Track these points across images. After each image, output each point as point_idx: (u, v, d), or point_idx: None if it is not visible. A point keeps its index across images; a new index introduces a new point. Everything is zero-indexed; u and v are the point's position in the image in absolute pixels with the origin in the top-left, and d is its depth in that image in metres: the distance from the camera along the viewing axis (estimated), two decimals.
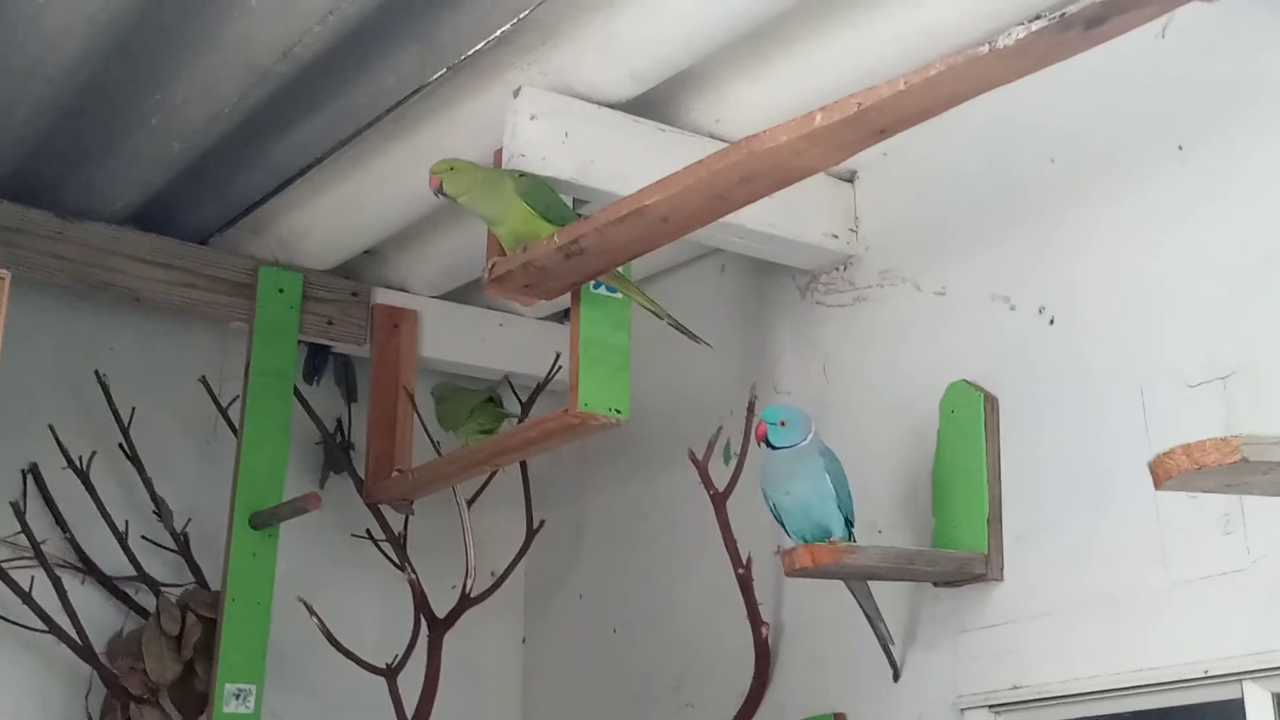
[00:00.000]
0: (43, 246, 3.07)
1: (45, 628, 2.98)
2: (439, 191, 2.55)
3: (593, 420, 2.61)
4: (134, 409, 3.21)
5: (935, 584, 2.54)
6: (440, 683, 3.22)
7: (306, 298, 3.34)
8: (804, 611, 2.86)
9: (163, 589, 3.16)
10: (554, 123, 2.59)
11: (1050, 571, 2.38)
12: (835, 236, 2.90)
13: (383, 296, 3.46)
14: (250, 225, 3.26)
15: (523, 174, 2.54)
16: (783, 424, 2.41)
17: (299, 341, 3.34)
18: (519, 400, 3.41)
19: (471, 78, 2.68)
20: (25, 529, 3.02)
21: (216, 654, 3.02)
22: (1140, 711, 2.25)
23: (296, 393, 3.32)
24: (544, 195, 2.54)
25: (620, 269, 2.64)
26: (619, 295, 2.66)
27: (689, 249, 3.22)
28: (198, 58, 2.60)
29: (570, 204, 2.65)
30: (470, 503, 3.33)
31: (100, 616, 3.12)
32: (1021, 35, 1.79)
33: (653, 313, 2.65)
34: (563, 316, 3.54)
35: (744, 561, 2.86)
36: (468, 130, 2.76)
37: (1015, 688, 2.38)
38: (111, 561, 3.16)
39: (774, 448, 2.41)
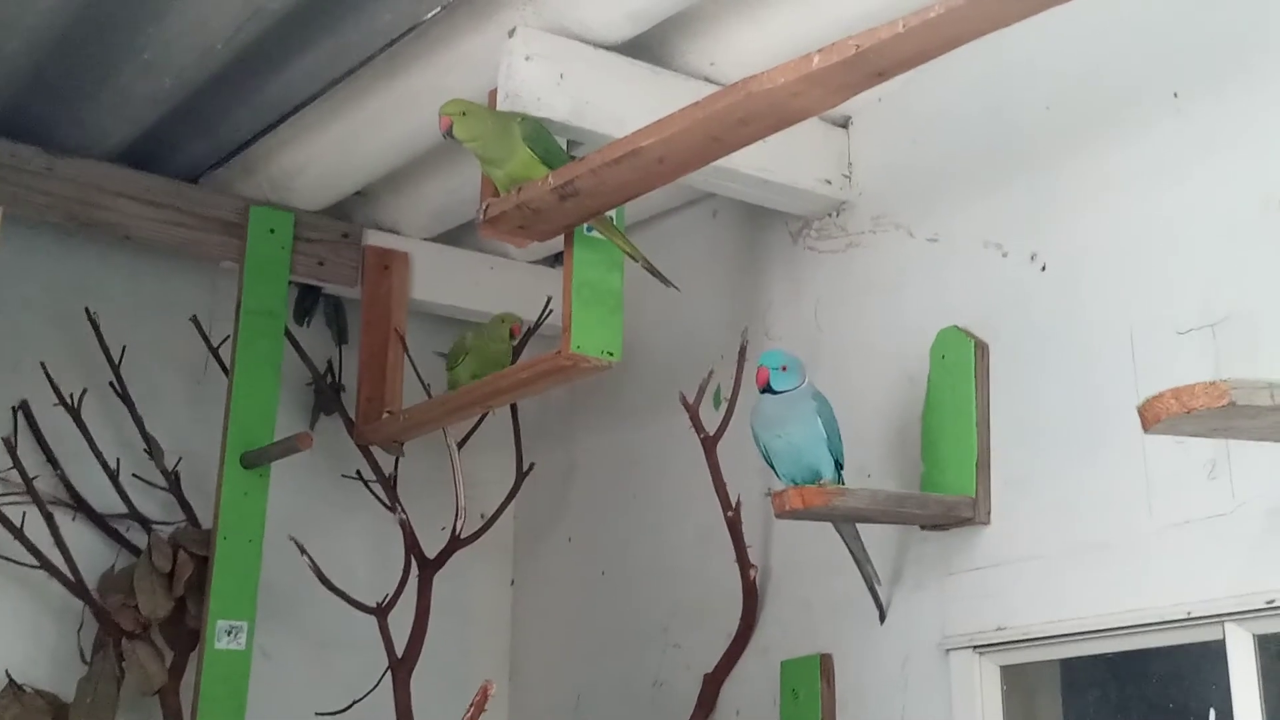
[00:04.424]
0: (33, 183, 3.05)
1: (37, 563, 3.00)
2: (448, 133, 2.51)
3: (585, 362, 2.62)
4: (124, 347, 3.21)
5: (923, 527, 2.57)
6: (430, 622, 3.24)
7: (297, 238, 3.33)
8: (792, 554, 2.89)
9: (154, 526, 3.18)
10: (549, 64, 2.58)
11: (1037, 515, 2.41)
12: (829, 182, 2.90)
13: (374, 238, 3.45)
14: (241, 164, 3.25)
15: (524, 117, 2.53)
16: (783, 369, 2.43)
17: (290, 282, 3.33)
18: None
19: (466, 17, 2.67)
20: (17, 465, 3.02)
21: (208, 591, 3.04)
22: (1123, 653, 2.29)
23: (287, 333, 3.32)
24: (544, 139, 2.53)
25: (612, 212, 2.64)
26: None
27: (681, 194, 3.22)
28: None
29: (564, 146, 2.65)
30: (460, 445, 3.34)
31: (92, 553, 3.14)
32: None
33: (629, 254, 2.65)
34: (554, 260, 3.54)
35: (733, 504, 2.89)
36: (462, 70, 2.75)
37: (1000, 629, 2.41)
38: (103, 499, 3.18)
39: (775, 392, 2.43)
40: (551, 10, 2.59)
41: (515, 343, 3.14)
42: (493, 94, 2.68)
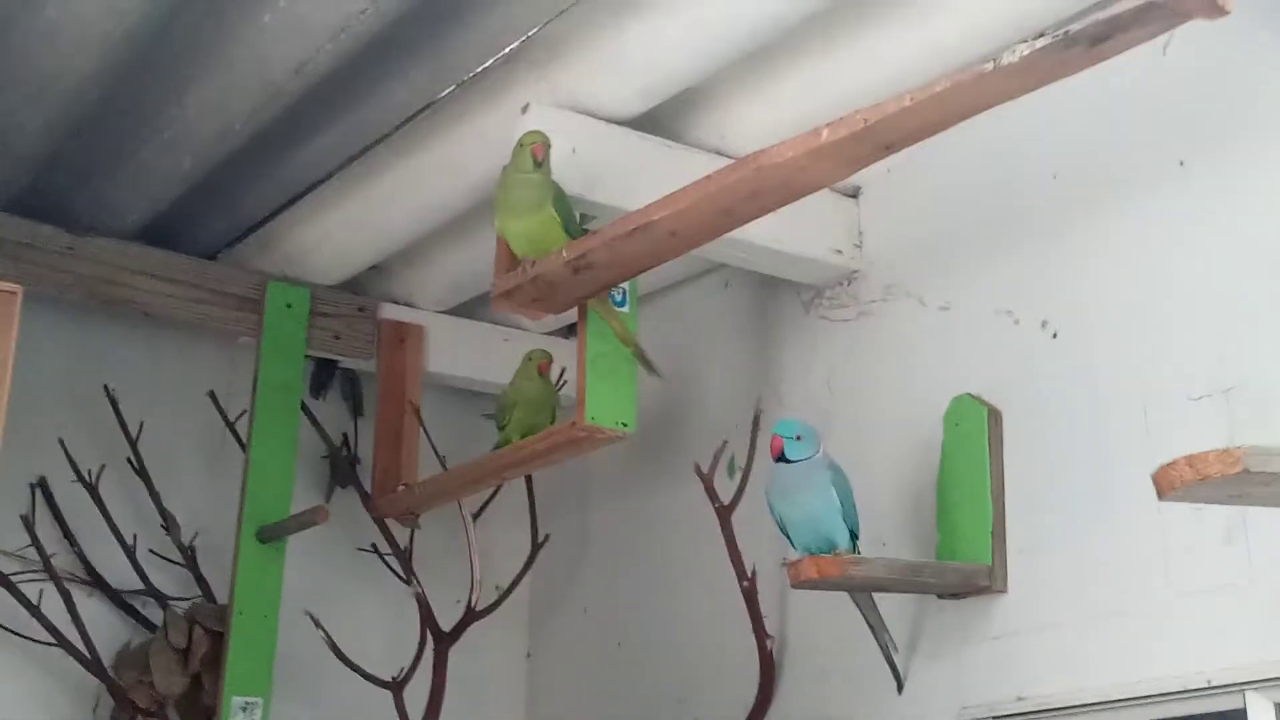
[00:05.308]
0: (53, 262, 3.09)
1: (53, 640, 3.00)
2: (541, 161, 2.51)
3: (599, 433, 2.64)
4: (142, 423, 3.23)
5: (939, 596, 2.56)
6: (445, 696, 3.23)
7: (314, 313, 3.37)
8: (808, 624, 2.88)
9: (170, 602, 3.18)
10: (562, 139, 2.61)
11: (1054, 583, 2.40)
12: (839, 252, 2.92)
13: (389, 311, 3.48)
14: (258, 241, 3.29)
15: (558, 186, 2.57)
16: (798, 439, 2.43)
17: (306, 356, 3.36)
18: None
19: (481, 94, 2.71)
20: (35, 542, 3.04)
21: (224, 667, 3.04)
22: None
23: (303, 407, 3.34)
24: (568, 208, 2.56)
25: (625, 285, 2.67)
26: (625, 309, 2.69)
27: (694, 265, 3.24)
28: (211, 73, 2.63)
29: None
30: (475, 517, 3.35)
31: (108, 630, 3.14)
32: (1026, 53, 1.82)
33: (620, 338, 2.66)
34: (568, 331, 3.56)
35: (749, 574, 2.88)
36: (476, 146, 2.79)
37: (1020, 699, 2.39)
38: (119, 575, 3.18)
39: (789, 462, 2.44)
40: (564, 87, 2.63)
41: (553, 380, 3.07)
42: (506, 169, 2.71)
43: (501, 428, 3.08)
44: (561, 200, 2.55)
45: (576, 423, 2.63)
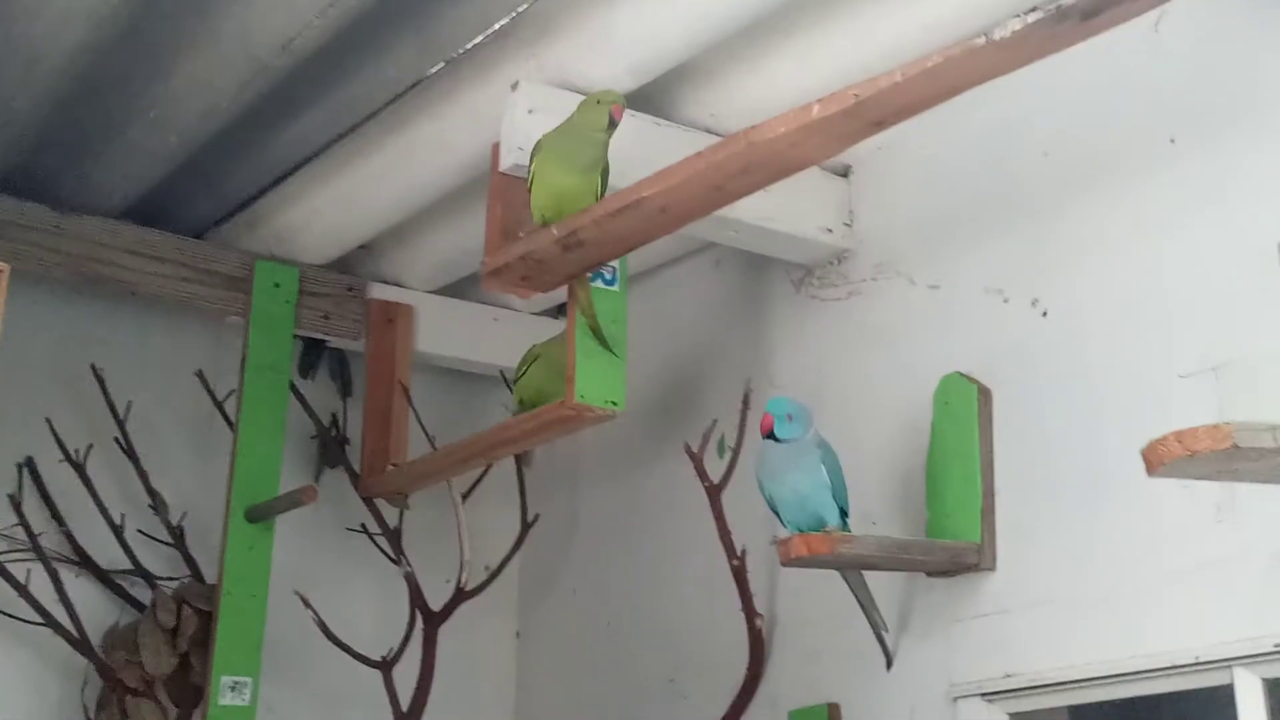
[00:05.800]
0: (40, 240, 3.08)
1: (41, 620, 2.99)
2: (613, 124, 2.45)
3: (589, 412, 2.63)
4: (130, 402, 3.22)
5: (928, 574, 2.56)
6: (435, 676, 3.23)
7: (302, 292, 3.35)
8: (798, 603, 2.88)
9: (158, 582, 3.18)
10: (552, 116, 2.60)
11: (1043, 561, 2.40)
12: (830, 231, 2.92)
13: (378, 291, 3.47)
14: (247, 219, 3.28)
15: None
16: (789, 418, 2.42)
17: (294, 336, 3.35)
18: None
19: (470, 71, 2.70)
20: (22, 521, 3.03)
21: (212, 647, 3.03)
22: (1132, 698, 2.28)
23: (292, 387, 3.33)
24: (607, 183, 2.53)
25: (615, 263, 2.66)
26: (615, 288, 2.69)
27: (684, 244, 3.24)
28: (197, 51, 2.61)
29: None
30: (465, 497, 3.34)
31: (96, 609, 3.13)
32: (1018, 27, 1.82)
33: (581, 309, 2.63)
34: (558, 311, 3.55)
35: (739, 553, 2.88)
36: (465, 123, 2.78)
37: (1008, 676, 2.40)
38: (107, 555, 3.17)
39: (778, 440, 2.43)
40: (553, 64, 2.62)
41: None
42: (496, 147, 2.70)
43: (517, 379, 2.99)
44: (607, 173, 2.52)
45: (566, 401, 2.63)
